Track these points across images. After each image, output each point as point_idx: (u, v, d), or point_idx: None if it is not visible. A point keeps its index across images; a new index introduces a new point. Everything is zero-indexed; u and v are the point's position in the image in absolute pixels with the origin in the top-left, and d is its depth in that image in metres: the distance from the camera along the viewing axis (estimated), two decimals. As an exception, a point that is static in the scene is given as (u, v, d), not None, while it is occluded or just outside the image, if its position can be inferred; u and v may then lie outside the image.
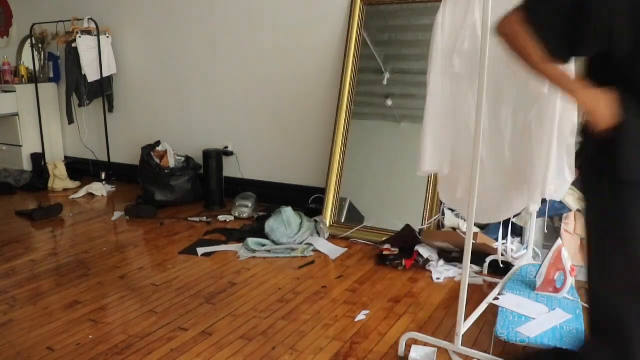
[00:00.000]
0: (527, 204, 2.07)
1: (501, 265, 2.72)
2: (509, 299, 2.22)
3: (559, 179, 2.09)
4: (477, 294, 2.63)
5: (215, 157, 4.16)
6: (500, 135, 2.07)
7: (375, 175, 3.50)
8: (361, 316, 2.45)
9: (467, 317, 2.06)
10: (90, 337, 2.28)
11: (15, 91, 4.96)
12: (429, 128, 2.08)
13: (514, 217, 2.77)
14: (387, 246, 3.09)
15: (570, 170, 2.10)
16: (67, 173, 4.85)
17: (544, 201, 2.18)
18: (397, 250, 3.04)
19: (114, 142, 5.01)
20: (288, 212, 3.43)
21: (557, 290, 2.26)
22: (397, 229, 3.27)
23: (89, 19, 4.66)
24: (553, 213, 2.78)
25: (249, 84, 4.19)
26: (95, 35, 4.63)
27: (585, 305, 2.45)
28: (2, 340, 2.26)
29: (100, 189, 4.64)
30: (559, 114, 1.97)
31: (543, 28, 0.99)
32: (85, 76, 4.64)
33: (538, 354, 1.84)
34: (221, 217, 3.88)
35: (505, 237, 2.79)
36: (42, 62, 5.20)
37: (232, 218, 3.88)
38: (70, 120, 4.81)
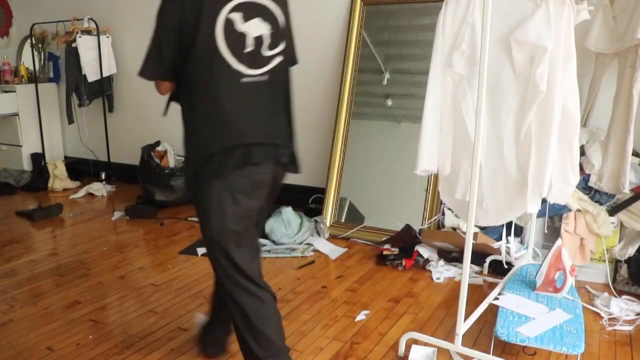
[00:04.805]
0: (527, 205, 2.06)
1: (505, 266, 2.71)
2: (509, 299, 2.22)
3: (562, 183, 2.07)
4: (477, 294, 2.63)
5: (215, 157, 4.14)
6: (500, 137, 2.06)
7: (375, 175, 3.49)
8: (361, 316, 2.45)
9: (467, 317, 2.06)
10: (90, 337, 2.28)
11: (15, 91, 4.95)
12: (426, 126, 2.07)
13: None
14: (387, 246, 3.09)
15: (574, 173, 2.08)
16: (67, 173, 4.85)
17: (543, 201, 2.17)
18: (397, 250, 3.04)
19: (114, 142, 5.01)
20: (288, 212, 3.43)
21: (557, 290, 2.26)
22: (397, 229, 3.27)
23: (89, 19, 4.65)
24: (553, 213, 2.78)
25: (249, 84, 4.18)
26: (95, 35, 4.63)
27: (586, 305, 2.47)
28: (2, 340, 2.26)
29: (100, 189, 4.65)
30: (560, 115, 1.96)
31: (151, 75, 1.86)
32: (85, 76, 4.64)
33: None
34: (221, 217, 3.87)
35: (507, 236, 2.78)
36: (42, 62, 5.20)
37: (232, 218, 3.87)
38: (70, 120, 4.80)
